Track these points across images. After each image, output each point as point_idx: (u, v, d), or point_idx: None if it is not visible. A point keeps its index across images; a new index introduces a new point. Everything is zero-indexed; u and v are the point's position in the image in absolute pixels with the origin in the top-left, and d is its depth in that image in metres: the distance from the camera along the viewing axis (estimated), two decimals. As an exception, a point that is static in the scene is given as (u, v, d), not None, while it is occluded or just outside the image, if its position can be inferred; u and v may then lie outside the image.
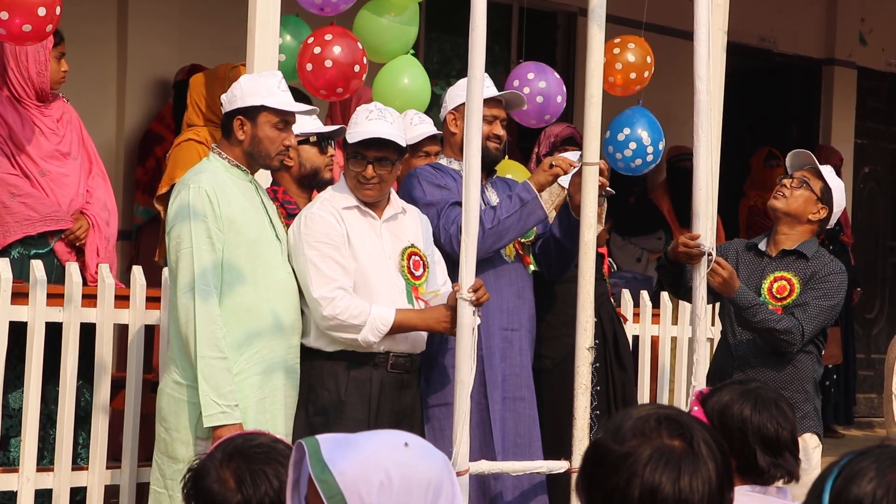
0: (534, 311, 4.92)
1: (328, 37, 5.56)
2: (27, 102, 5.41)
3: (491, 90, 4.83)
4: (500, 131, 4.85)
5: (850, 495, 1.74)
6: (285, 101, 4.40)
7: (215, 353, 4.19)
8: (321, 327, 4.41)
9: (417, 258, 4.60)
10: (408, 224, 4.64)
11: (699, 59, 4.59)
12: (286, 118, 4.42)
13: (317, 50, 5.54)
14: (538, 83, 6.18)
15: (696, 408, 3.12)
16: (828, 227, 5.17)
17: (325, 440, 1.96)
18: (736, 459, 3.05)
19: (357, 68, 5.58)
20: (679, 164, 9.00)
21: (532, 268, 4.95)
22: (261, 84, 4.41)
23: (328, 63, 5.52)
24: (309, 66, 5.56)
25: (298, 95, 6.47)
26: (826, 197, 5.06)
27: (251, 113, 4.39)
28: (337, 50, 5.53)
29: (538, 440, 4.82)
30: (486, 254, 4.63)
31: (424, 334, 4.57)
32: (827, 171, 5.14)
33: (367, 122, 4.50)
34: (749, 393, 3.14)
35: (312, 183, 4.86)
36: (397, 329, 4.41)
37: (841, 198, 5.12)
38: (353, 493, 1.90)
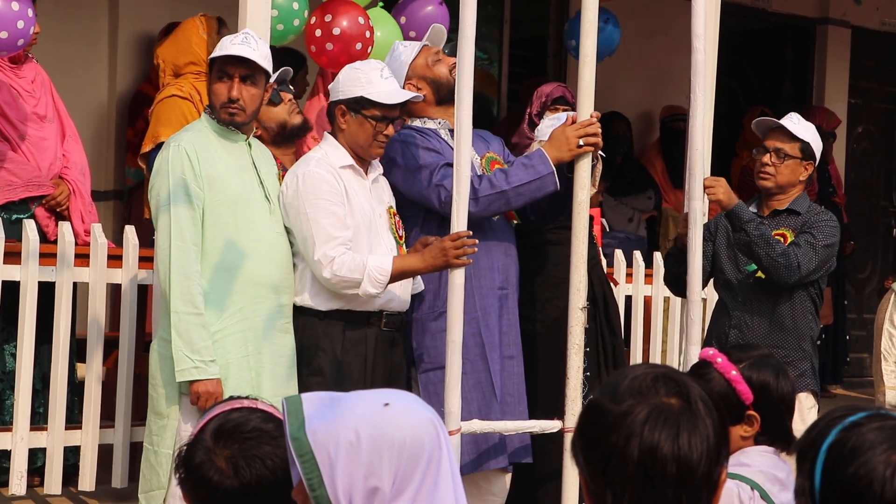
0: (518, 267, 4.92)
1: (328, 17, 5.66)
2: (1, 66, 5.36)
3: (415, 45, 4.84)
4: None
5: (851, 472, 1.73)
6: (227, 49, 4.40)
7: (189, 308, 4.22)
8: (327, 287, 4.42)
9: (399, 218, 4.65)
10: (384, 186, 4.68)
11: (696, 18, 4.56)
12: (225, 69, 4.40)
13: (318, 33, 5.67)
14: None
15: (734, 372, 3.14)
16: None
17: (310, 398, 1.94)
18: (763, 426, 3.15)
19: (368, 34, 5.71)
20: (672, 124, 8.99)
21: (516, 221, 4.94)
22: (221, 40, 4.47)
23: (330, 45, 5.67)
24: (313, 48, 5.75)
25: (293, 56, 6.47)
26: (807, 152, 5.05)
27: (211, 68, 4.46)
28: (343, 24, 5.66)
29: (525, 399, 4.84)
30: (487, 217, 4.62)
31: (409, 294, 4.59)
32: (794, 122, 5.10)
33: (385, 82, 4.50)
34: (780, 366, 3.21)
35: (289, 135, 4.84)
36: (398, 276, 4.42)
37: (816, 138, 5.10)
38: (322, 452, 1.87)
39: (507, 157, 4.99)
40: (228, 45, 4.40)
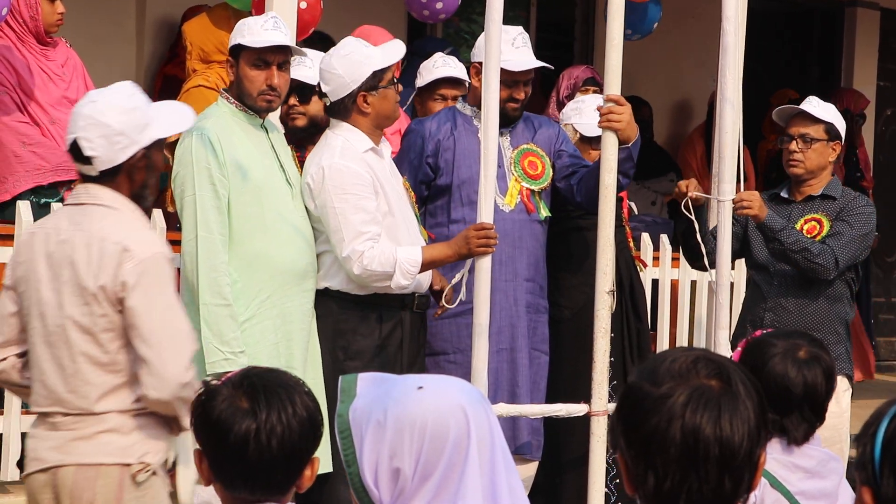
0: (538, 258, 4.90)
1: None
2: (31, 48, 5.37)
3: (519, 60, 4.77)
4: (521, 95, 4.82)
5: None
6: (262, 39, 4.35)
7: (218, 300, 4.21)
8: (356, 282, 4.42)
9: (411, 191, 4.71)
10: (393, 164, 4.73)
11: (727, 0, 4.54)
12: (263, 57, 4.36)
13: None
14: None
15: (740, 347, 3.10)
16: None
17: (365, 378, 1.97)
18: None
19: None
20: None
21: (544, 214, 4.93)
22: (246, 24, 4.41)
23: None
24: None
25: (320, 37, 6.46)
26: (833, 132, 5.04)
27: (234, 53, 4.40)
28: None
29: (536, 389, 4.84)
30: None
31: (431, 274, 4.60)
32: (814, 105, 5.08)
33: (374, 49, 4.54)
34: (794, 354, 3.05)
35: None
36: (427, 265, 4.45)
37: (839, 118, 5.10)
38: (357, 429, 1.91)
39: (559, 144, 4.98)
40: (261, 31, 4.35)
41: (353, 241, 4.36)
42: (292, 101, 4.76)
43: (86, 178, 3.39)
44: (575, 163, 4.94)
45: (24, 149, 5.27)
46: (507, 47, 4.58)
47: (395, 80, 4.54)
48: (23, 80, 5.31)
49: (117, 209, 3.36)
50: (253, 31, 4.36)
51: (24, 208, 4.93)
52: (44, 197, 5.28)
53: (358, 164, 4.44)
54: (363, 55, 4.48)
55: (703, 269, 4.80)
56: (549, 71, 5.31)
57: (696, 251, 4.90)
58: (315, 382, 4.42)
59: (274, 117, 4.85)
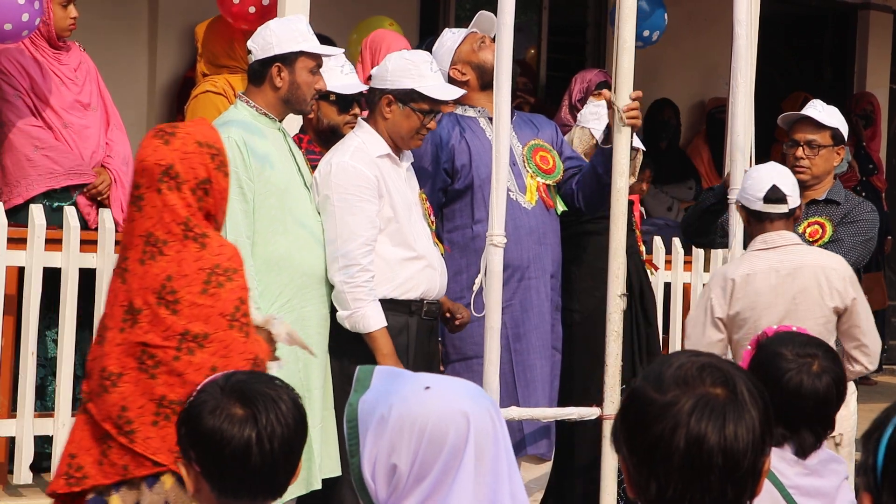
0: (558, 254, 4.91)
1: None
2: (44, 52, 5.38)
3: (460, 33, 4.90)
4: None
5: None
6: (318, 45, 4.40)
7: (250, 303, 4.19)
8: (329, 279, 4.39)
9: (429, 205, 4.66)
10: (413, 173, 4.68)
11: (738, 4, 4.54)
12: (319, 63, 4.41)
13: None
14: None
15: (748, 346, 3.10)
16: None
17: (381, 372, 1.97)
18: None
19: None
20: (719, 115, 8.96)
21: (561, 208, 4.93)
22: (294, 30, 4.40)
23: None
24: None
25: (322, 40, 6.48)
26: (838, 137, 5.03)
27: (289, 59, 4.37)
28: None
29: (550, 388, 4.85)
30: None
31: (446, 282, 4.59)
32: (819, 110, 5.07)
33: (434, 76, 4.49)
34: (791, 362, 3.02)
35: (330, 140, 4.81)
36: (371, 341, 4.35)
37: (842, 121, 5.08)
38: (364, 422, 1.91)
39: (559, 144, 4.98)
40: (312, 37, 4.39)
41: (348, 244, 4.33)
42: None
43: (768, 225, 4.39)
44: (573, 165, 4.93)
45: (37, 153, 5.28)
46: (427, 69, 4.53)
47: (433, 115, 4.49)
48: (36, 84, 5.33)
49: (800, 244, 4.46)
50: (307, 38, 4.38)
51: (36, 212, 4.95)
52: (56, 201, 5.29)
53: (366, 166, 4.43)
54: (418, 71, 4.46)
55: (702, 245, 4.85)
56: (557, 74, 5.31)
57: (707, 226, 4.90)
58: (326, 387, 4.42)
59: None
